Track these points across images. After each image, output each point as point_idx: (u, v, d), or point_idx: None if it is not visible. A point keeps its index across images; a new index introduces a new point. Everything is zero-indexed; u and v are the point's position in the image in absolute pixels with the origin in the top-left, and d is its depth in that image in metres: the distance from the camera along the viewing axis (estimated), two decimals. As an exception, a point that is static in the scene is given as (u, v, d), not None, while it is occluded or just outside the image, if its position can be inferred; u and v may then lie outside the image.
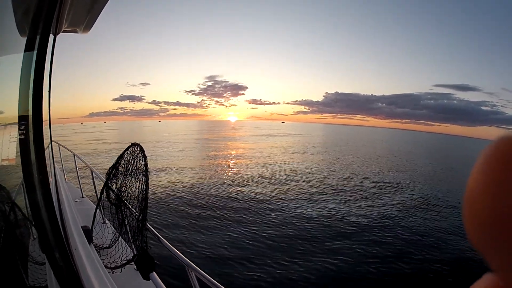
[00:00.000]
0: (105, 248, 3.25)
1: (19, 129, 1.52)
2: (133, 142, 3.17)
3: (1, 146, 1.83)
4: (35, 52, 1.48)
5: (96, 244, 3.23)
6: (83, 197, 5.56)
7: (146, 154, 2.96)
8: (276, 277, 7.01)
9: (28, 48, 1.49)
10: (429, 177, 23.00)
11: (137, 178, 2.92)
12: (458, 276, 7.49)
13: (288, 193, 14.66)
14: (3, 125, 1.91)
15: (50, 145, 4.54)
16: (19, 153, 1.53)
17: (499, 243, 0.15)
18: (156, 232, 2.97)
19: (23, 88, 1.49)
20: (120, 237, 3.18)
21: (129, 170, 3.07)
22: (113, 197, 3.19)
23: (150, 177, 2.87)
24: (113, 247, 3.17)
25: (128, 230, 2.99)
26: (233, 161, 27.09)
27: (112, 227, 3.56)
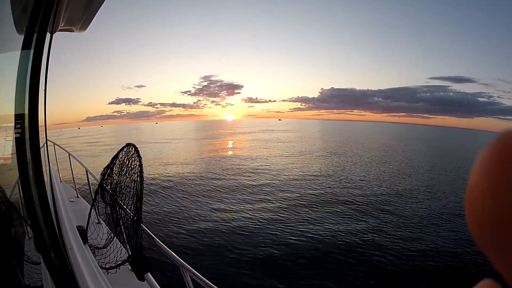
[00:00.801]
0: (100, 248, 3.24)
1: (15, 128, 1.51)
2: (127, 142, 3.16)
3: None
4: (32, 51, 1.48)
5: (91, 244, 3.21)
6: (78, 197, 5.53)
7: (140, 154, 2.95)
8: (271, 277, 7.02)
9: (25, 46, 1.49)
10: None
11: (132, 178, 2.91)
12: (457, 277, 7.55)
13: (287, 200, 14.65)
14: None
15: (45, 145, 4.51)
16: (14, 152, 1.53)
17: (501, 242, 0.15)
18: (150, 233, 2.96)
19: (19, 87, 1.48)
20: (115, 237, 3.16)
21: (123, 170, 3.06)
22: (108, 197, 3.18)
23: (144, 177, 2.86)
24: (108, 247, 3.16)
25: (123, 231, 2.98)
26: (229, 159, 27.15)
27: (107, 227, 3.55)
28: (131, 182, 2.90)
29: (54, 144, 6.35)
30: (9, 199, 1.91)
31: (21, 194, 1.62)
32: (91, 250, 3.02)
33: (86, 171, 4.83)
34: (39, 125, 1.59)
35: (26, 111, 1.51)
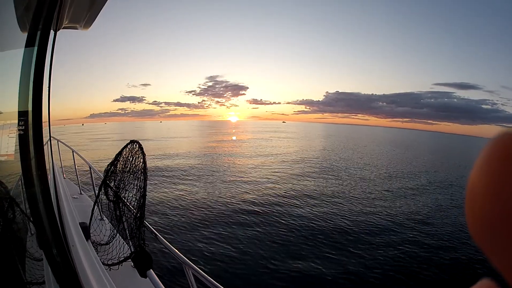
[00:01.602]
0: (102, 244, 3.26)
1: (19, 125, 1.51)
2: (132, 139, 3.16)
3: (0, 141, 1.83)
4: (35, 48, 1.48)
5: (94, 240, 3.23)
6: (81, 193, 5.56)
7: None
8: (274, 275, 7.02)
9: (29, 43, 1.49)
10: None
11: (136, 176, 2.91)
12: (457, 277, 7.53)
13: (289, 193, 14.65)
14: (2, 121, 1.91)
15: (49, 141, 4.53)
16: (18, 149, 1.53)
17: (500, 242, 0.15)
18: (153, 230, 2.97)
19: (23, 84, 1.49)
20: (118, 234, 3.17)
21: (127, 167, 3.07)
22: (111, 194, 3.19)
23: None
24: (111, 244, 3.17)
25: (126, 228, 2.99)
26: (232, 158, 27.24)
27: (109, 224, 3.56)
28: (135, 179, 2.91)
29: (58, 141, 6.38)
30: (12, 195, 1.92)
31: (24, 190, 1.63)
32: (93, 246, 3.04)
33: (90, 168, 4.85)
34: (43, 122, 1.60)
35: (30, 108, 1.51)
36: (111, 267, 2.85)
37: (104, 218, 3.94)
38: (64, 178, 5.69)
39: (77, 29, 2.47)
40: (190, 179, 17.19)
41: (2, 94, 2.04)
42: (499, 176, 0.15)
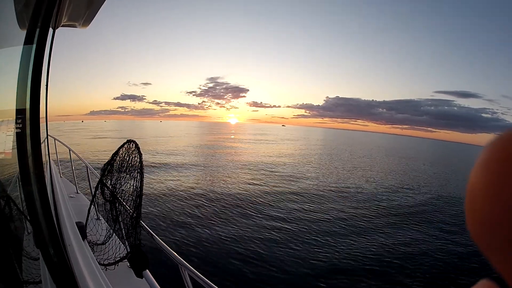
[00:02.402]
0: (99, 244, 3.24)
1: (16, 123, 1.50)
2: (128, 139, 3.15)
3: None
4: (34, 46, 1.47)
5: (90, 240, 3.21)
6: (77, 192, 5.53)
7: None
8: (271, 275, 7.02)
9: (28, 41, 1.48)
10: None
11: (132, 175, 2.90)
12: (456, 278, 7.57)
13: (288, 195, 14.68)
14: (0, 118, 1.90)
15: (46, 140, 4.51)
16: (15, 147, 1.52)
17: (500, 242, 0.15)
18: (149, 230, 2.96)
19: (21, 82, 1.48)
20: (114, 234, 3.16)
21: (124, 166, 3.06)
22: (108, 194, 3.18)
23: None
24: (107, 244, 3.15)
25: (122, 227, 2.98)
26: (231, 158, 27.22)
27: (106, 223, 3.55)
28: (131, 178, 2.90)
29: (55, 139, 6.35)
30: (9, 193, 1.91)
31: (21, 189, 1.62)
32: (90, 246, 3.02)
33: (86, 167, 4.82)
34: (40, 120, 1.59)
35: (28, 106, 1.50)
36: (107, 267, 2.84)
37: (101, 218, 3.92)
38: (61, 177, 5.65)
39: (76, 27, 2.46)
40: (186, 178, 17.15)
41: (2, 92, 2.03)
42: (499, 176, 0.15)
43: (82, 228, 2.89)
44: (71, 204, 3.42)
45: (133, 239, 2.69)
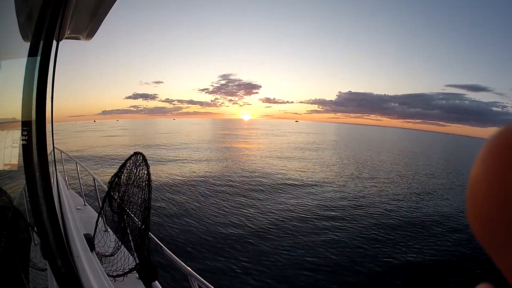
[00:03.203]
0: (107, 256, 3.23)
1: (22, 134, 1.51)
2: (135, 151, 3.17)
3: (3, 150, 1.82)
4: (38, 58, 1.48)
5: (98, 252, 3.21)
6: (85, 204, 5.54)
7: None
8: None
9: (32, 53, 1.49)
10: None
11: (140, 187, 2.91)
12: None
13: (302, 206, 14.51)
14: (5, 130, 1.91)
15: (52, 152, 4.55)
16: (21, 158, 1.53)
17: (502, 238, 0.15)
18: (158, 241, 2.96)
19: (26, 93, 1.49)
20: (122, 245, 3.16)
21: (131, 179, 3.07)
22: (115, 206, 3.18)
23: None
24: (115, 255, 3.15)
25: (131, 239, 2.97)
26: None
27: (114, 235, 3.54)
28: (139, 190, 2.90)
29: (61, 151, 6.40)
30: (16, 205, 1.91)
31: (28, 200, 1.62)
32: (98, 257, 3.02)
33: (94, 179, 4.84)
34: (47, 132, 1.60)
35: (33, 118, 1.51)
36: (116, 278, 2.83)
37: (109, 230, 3.92)
38: (68, 189, 5.68)
39: (79, 39, 2.50)
40: (196, 189, 17.04)
41: (5, 102, 2.05)
42: (501, 172, 0.15)
43: (90, 240, 2.89)
44: (79, 216, 3.43)
45: (141, 251, 2.68)
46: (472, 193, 0.17)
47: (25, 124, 1.52)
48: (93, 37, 2.56)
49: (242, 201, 14.14)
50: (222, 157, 28.62)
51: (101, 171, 20.42)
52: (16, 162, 1.82)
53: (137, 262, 2.77)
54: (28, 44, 1.53)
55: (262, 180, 19.64)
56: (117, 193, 3.21)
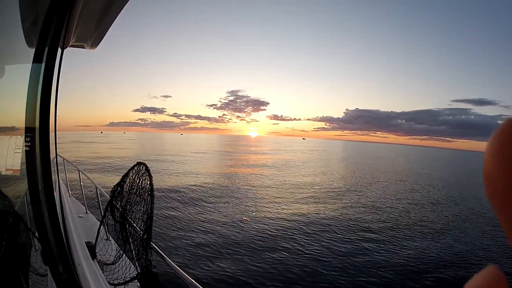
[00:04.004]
0: (108, 264, 3.21)
1: (25, 141, 1.51)
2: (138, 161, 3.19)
3: (7, 156, 1.82)
4: (43, 64, 1.49)
5: (100, 260, 3.19)
6: (87, 212, 5.53)
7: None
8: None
9: (36, 60, 1.50)
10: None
11: (142, 197, 2.91)
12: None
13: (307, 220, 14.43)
14: (9, 136, 1.92)
15: (55, 159, 4.57)
16: (24, 165, 1.53)
17: None
18: (160, 251, 2.94)
19: (30, 100, 1.49)
20: (124, 254, 3.14)
21: (134, 188, 3.07)
22: (118, 215, 3.18)
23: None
24: (117, 264, 3.13)
25: (132, 248, 2.96)
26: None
27: (116, 244, 3.53)
28: (142, 200, 2.90)
29: (64, 159, 6.41)
30: (18, 211, 1.91)
31: (30, 207, 1.62)
32: (99, 265, 3.00)
33: (96, 188, 4.84)
34: (50, 139, 1.60)
35: (37, 125, 1.51)
36: (117, 286, 2.81)
37: (110, 238, 3.91)
38: (70, 196, 5.68)
39: (84, 48, 2.51)
40: (199, 199, 16.92)
41: (9, 108, 2.06)
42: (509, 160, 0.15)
43: (91, 248, 2.88)
44: (81, 223, 3.42)
45: (143, 260, 2.67)
46: (487, 169, 0.17)
47: (29, 131, 1.52)
48: (99, 47, 2.58)
49: (244, 212, 14.09)
50: (227, 172, 28.57)
51: (104, 180, 20.41)
52: (19, 168, 1.82)
53: (139, 271, 2.75)
54: (33, 51, 1.54)
55: (265, 191, 19.60)
56: (119, 203, 3.21)
